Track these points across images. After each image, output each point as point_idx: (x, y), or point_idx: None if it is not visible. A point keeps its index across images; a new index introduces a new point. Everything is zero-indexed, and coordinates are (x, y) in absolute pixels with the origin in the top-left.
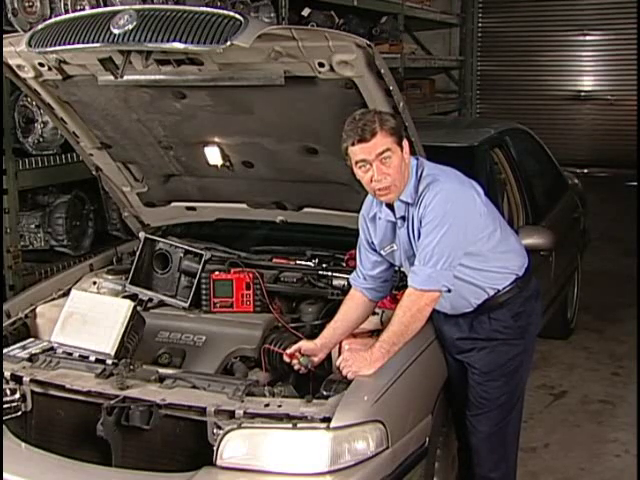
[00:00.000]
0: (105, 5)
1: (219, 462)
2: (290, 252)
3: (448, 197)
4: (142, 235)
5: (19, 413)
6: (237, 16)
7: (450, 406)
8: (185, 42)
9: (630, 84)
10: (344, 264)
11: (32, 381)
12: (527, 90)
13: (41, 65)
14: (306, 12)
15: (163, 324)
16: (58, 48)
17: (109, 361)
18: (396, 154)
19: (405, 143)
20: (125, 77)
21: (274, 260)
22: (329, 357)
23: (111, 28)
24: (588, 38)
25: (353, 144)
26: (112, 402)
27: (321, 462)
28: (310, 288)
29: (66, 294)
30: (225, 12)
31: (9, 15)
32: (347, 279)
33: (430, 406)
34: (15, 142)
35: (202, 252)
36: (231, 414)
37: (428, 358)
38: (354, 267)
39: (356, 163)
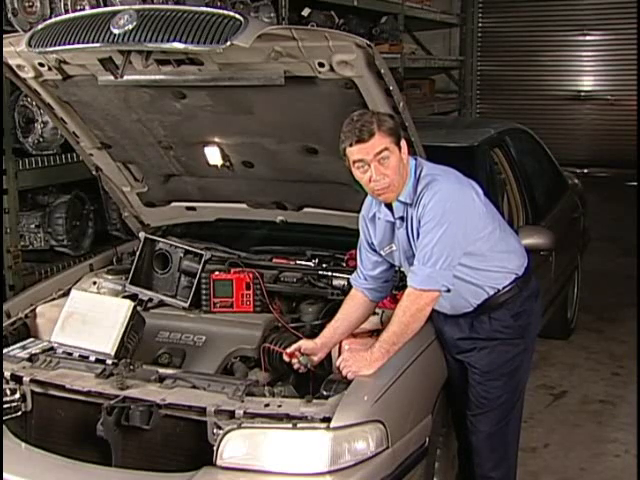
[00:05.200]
0: (105, 5)
1: (219, 462)
2: (290, 252)
3: (447, 197)
4: (142, 235)
5: (19, 413)
6: (237, 16)
7: (450, 406)
8: (185, 42)
9: (630, 84)
10: (344, 264)
11: (32, 381)
12: (527, 90)
13: (41, 65)
14: (306, 12)
15: (163, 324)
16: (58, 48)
17: (109, 361)
18: (394, 154)
19: (403, 143)
20: (125, 77)
21: (274, 260)
22: (329, 357)
23: (111, 28)
24: (588, 38)
25: (351, 145)
26: (112, 402)
27: (321, 462)
28: (310, 288)
29: (66, 294)
30: (225, 12)
31: (9, 15)
32: (347, 279)
33: (430, 406)
34: (15, 142)
35: (202, 252)
36: (231, 414)
37: (428, 358)
38: (354, 267)
39: (354, 163)
